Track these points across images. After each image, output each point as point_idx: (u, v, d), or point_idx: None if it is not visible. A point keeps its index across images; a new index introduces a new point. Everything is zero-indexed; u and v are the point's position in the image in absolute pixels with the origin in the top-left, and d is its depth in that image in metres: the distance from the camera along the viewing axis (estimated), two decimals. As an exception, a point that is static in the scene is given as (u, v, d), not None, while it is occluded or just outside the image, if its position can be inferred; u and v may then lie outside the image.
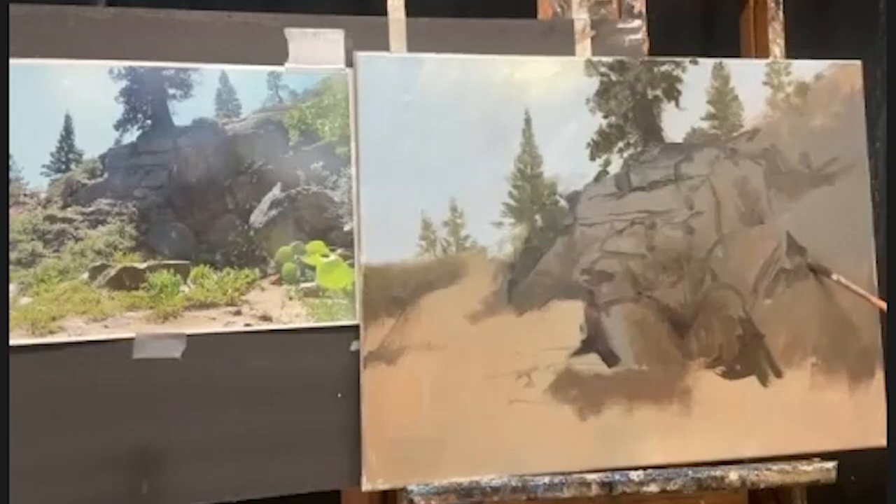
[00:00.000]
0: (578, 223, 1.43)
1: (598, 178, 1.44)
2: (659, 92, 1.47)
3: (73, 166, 1.30)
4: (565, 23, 1.51)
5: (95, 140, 1.31)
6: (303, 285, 1.37)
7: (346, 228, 1.39)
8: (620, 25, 1.52)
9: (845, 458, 1.47)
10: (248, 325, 1.34)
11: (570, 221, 1.43)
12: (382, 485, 1.35)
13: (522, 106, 1.43)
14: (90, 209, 1.31)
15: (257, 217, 1.37)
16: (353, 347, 1.36)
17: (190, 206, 1.34)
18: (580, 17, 1.52)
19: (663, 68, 1.48)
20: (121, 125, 1.32)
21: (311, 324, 1.36)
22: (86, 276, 1.30)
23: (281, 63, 1.38)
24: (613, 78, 1.46)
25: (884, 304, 1.45)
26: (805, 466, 1.45)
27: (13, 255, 1.27)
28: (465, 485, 1.36)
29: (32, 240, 1.28)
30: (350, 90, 1.39)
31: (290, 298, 1.36)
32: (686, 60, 1.49)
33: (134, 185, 1.32)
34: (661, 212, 1.46)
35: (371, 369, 1.35)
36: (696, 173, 1.48)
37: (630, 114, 1.46)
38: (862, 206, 1.54)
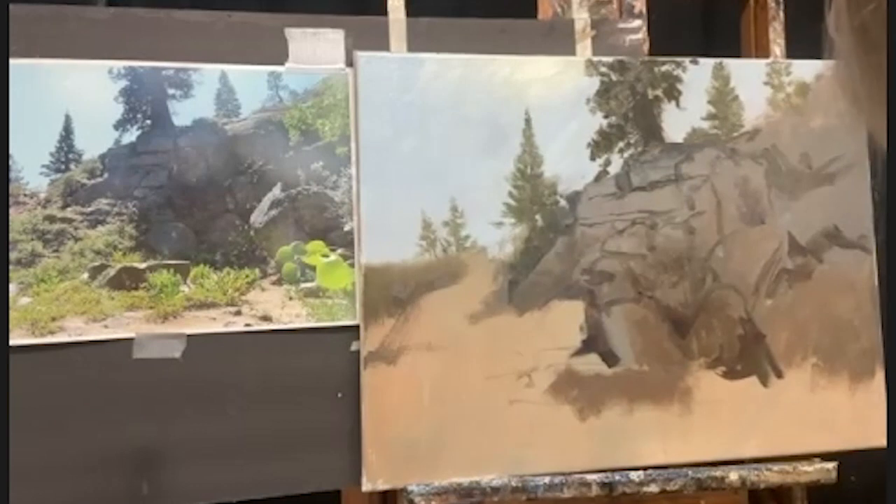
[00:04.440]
0: (579, 223, 1.43)
1: (598, 178, 1.44)
2: (659, 92, 1.47)
3: (72, 166, 1.30)
4: (565, 23, 1.50)
5: (95, 140, 1.31)
6: (303, 285, 1.36)
7: (346, 228, 1.39)
8: (620, 25, 1.52)
9: (845, 458, 1.46)
10: (248, 325, 1.34)
11: (570, 221, 1.43)
12: (382, 485, 1.35)
13: (523, 106, 1.42)
14: (90, 209, 1.31)
15: (257, 217, 1.37)
16: (353, 347, 1.36)
17: (190, 206, 1.34)
18: (580, 17, 1.51)
19: (663, 68, 1.48)
20: (121, 125, 1.32)
21: (312, 324, 1.36)
22: (86, 276, 1.30)
23: (281, 63, 1.38)
24: (613, 78, 1.46)
25: None
26: (805, 466, 1.44)
27: (13, 255, 1.27)
28: (465, 485, 1.36)
29: (32, 240, 1.28)
30: (350, 90, 1.39)
31: (291, 298, 1.36)
32: (686, 60, 1.49)
33: (134, 185, 1.32)
34: (661, 212, 1.46)
35: (371, 369, 1.35)
36: (697, 173, 1.47)
37: (630, 114, 1.46)
38: (862, 206, 1.53)
